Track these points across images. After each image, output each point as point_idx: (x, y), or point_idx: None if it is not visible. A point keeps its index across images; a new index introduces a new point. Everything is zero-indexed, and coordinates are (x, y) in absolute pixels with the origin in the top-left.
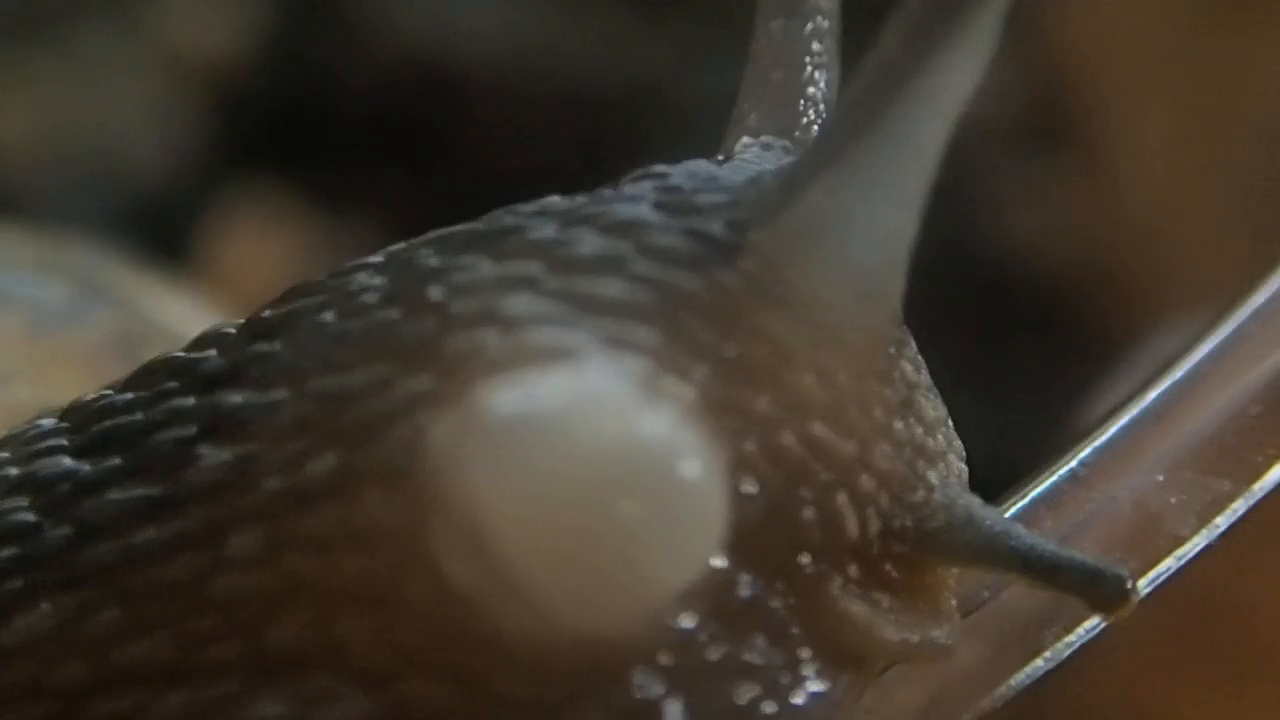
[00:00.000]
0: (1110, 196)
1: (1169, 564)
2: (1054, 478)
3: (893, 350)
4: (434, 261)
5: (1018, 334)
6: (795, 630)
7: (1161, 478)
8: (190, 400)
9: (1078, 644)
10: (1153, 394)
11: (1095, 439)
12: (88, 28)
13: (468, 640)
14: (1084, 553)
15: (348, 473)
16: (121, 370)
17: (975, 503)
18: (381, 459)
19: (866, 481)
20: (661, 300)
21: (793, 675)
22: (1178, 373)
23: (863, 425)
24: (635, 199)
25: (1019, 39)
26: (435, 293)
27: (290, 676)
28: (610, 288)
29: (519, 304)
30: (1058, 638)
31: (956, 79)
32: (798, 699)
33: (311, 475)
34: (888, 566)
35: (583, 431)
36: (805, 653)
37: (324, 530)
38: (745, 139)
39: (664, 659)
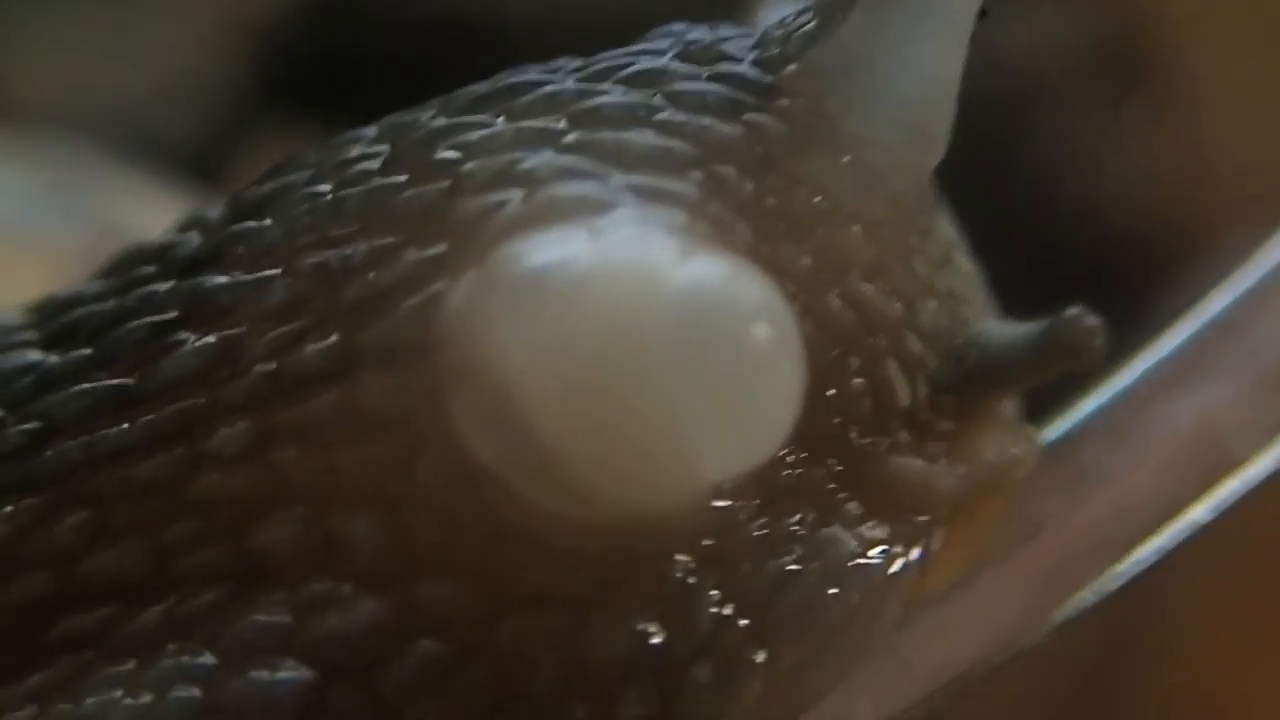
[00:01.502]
0: (1190, 141)
1: (1234, 486)
2: (1108, 396)
3: (933, 203)
4: (439, 122)
5: (1094, 283)
6: (843, 496)
7: (1229, 394)
8: (167, 285)
9: (1126, 575)
10: (1218, 303)
11: (1155, 352)
12: None
13: (488, 531)
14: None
15: (347, 354)
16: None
17: (991, 325)
18: (387, 336)
19: (914, 344)
20: (695, 149)
21: (841, 537)
22: (1247, 281)
23: (908, 283)
24: (657, 52)
25: None
26: (444, 153)
27: (284, 582)
28: (640, 138)
29: (541, 159)
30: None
31: None
32: (848, 558)
33: (305, 359)
34: (938, 421)
35: (622, 288)
36: (856, 512)
37: (319, 419)
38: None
39: (704, 540)
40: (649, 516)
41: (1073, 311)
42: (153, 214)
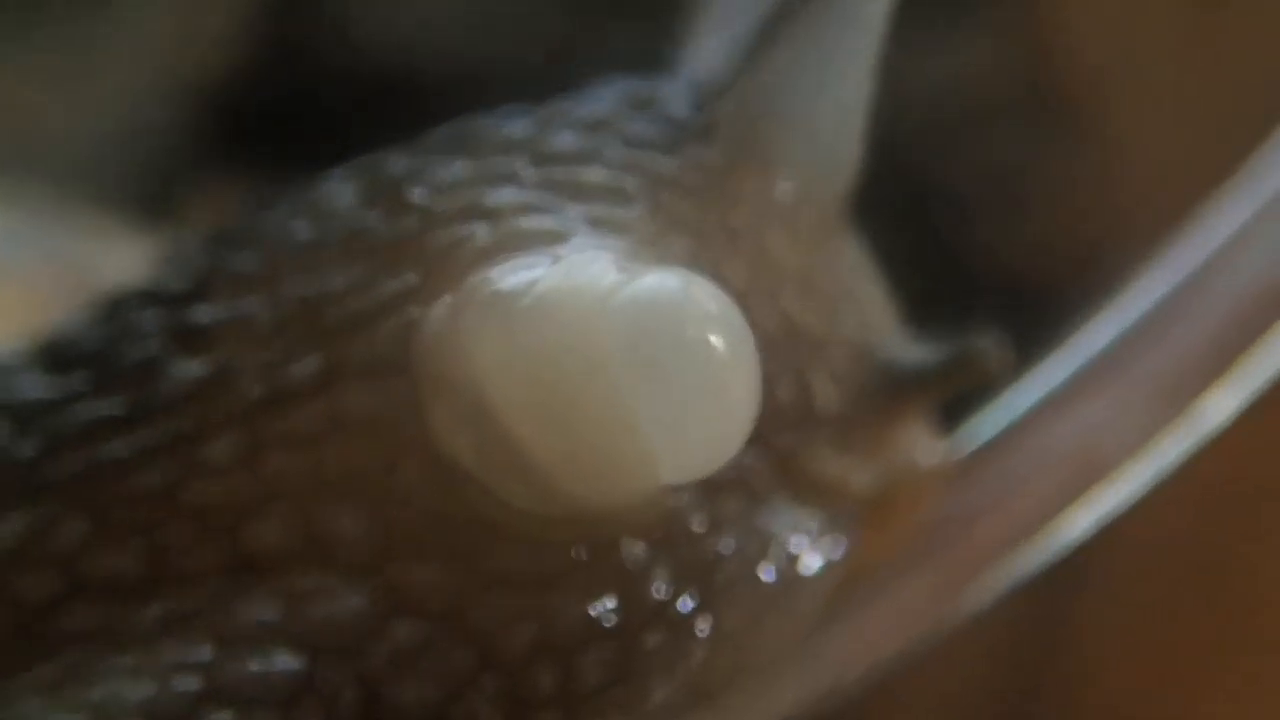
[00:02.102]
0: (1102, 174)
1: (1113, 505)
2: (996, 417)
3: (845, 224)
4: (406, 163)
5: (1004, 304)
6: (772, 489)
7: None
8: (156, 318)
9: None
10: (1102, 330)
11: (1040, 375)
12: (63, 27)
13: (462, 521)
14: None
15: (332, 370)
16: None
17: (906, 343)
18: (368, 354)
19: (835, 353)
20: (641, 180)
21: (771, 523)
22: (1129, 309)
23: (829, 294)
24: (599, 99)
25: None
26: (414, 194)
27: (275, 577)
28: (592, 175)
29: (504, 196)
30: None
31: None
32: (776, 541)
33: (293, 376)
34: (855, 427)
35: (579, 305)
36: (783, 503)
37: (306, 428)
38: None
39: (653, 528)
40: (607, 509)
41: (983, 342)
42: (117, 252)
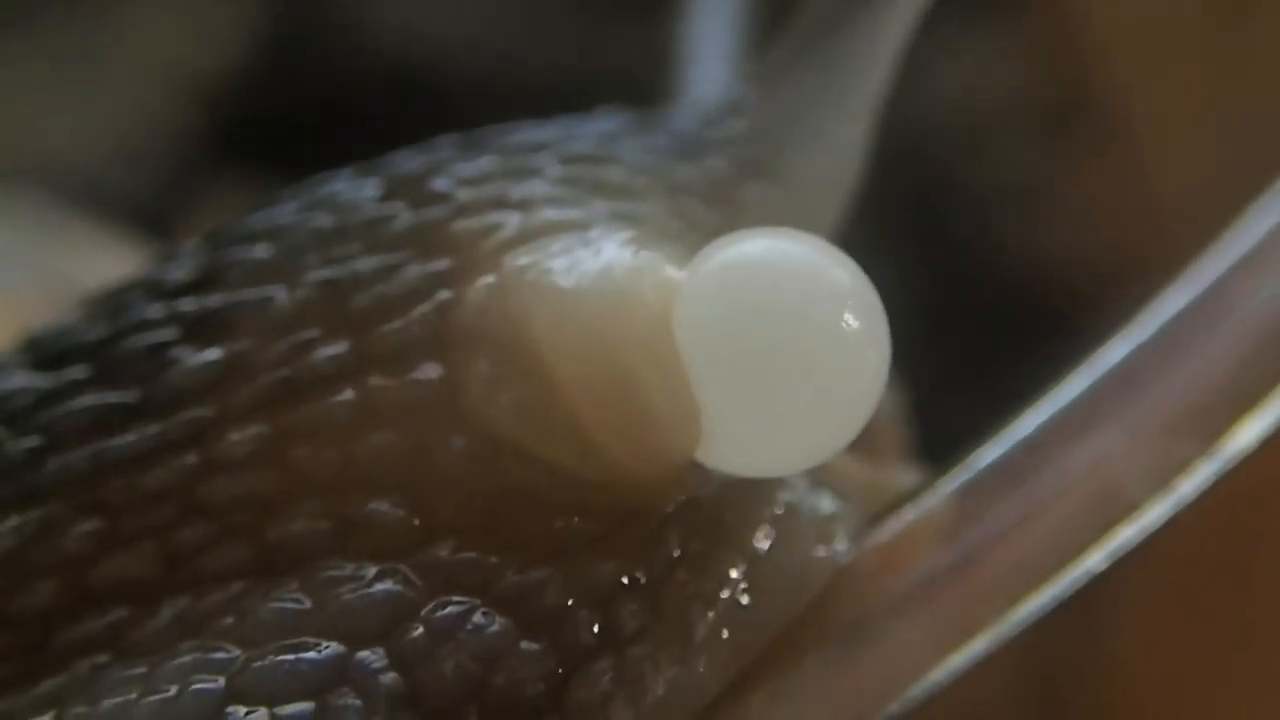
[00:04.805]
0: (1126, 188)
1: (1129, 535)
2: (1008, 446)
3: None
4: (424, 161)
5: (1033, 327)
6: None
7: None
8: (159, 308)
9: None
10: (1115, 353)
11: (1053, 402)
12: (65, 34)
13: (498, 492)
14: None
15: (360, 356)
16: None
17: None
18: (400, 338)
19: None
20: (659, 183)
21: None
22: (1143, 331)
23: None
24: (610, 117)
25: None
26: (439, 184)
27: (300, 571)
28: (613, 174)
29: (532, 188)
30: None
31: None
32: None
33: (317, 364)
34: None
35: (630, 288)
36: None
37: (334, 417)
38: None
39: (675, 497)
40: (643, 476)
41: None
42: (108, 266)
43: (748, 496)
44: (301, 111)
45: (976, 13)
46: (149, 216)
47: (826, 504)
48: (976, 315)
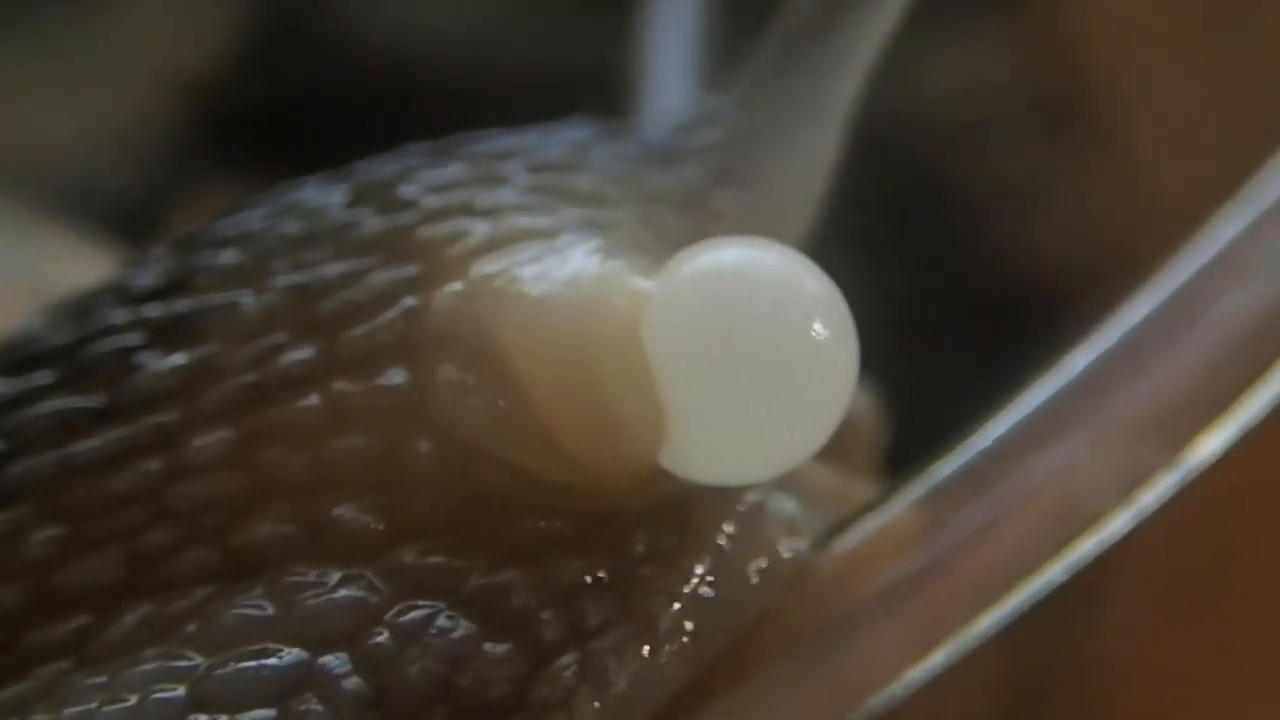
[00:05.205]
0: (1120, 184)
1: (1089, 546)
2: (970, 454)
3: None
4: (393, 168)
5: (1030, 327)
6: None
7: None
8: (126, 313)
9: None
10: (1078, 361)
11: (1014, 411)
12: (55, 33)
13: (468, 496)
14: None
15: (328, 360)
16: None
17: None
18: (368, 342)
19: None
20: (630, 190)
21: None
22: (1106, 340)
23: None
24: (580, 127)
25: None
26: (407, 191)
27: (265, 576)
28: (583, 183)
29: (501, 196)
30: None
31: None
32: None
33: (285, 368)
34: None
35: (600, 294)
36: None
37: (303, 420)
38: None
39: (643, 499)
40: (610, 478)
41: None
42: (83, 269)
43: (715, 496)
44: (292, 112)
45: (975, 12)
46: (139, 215)
47: (792, 505)
48: (973, 314)
